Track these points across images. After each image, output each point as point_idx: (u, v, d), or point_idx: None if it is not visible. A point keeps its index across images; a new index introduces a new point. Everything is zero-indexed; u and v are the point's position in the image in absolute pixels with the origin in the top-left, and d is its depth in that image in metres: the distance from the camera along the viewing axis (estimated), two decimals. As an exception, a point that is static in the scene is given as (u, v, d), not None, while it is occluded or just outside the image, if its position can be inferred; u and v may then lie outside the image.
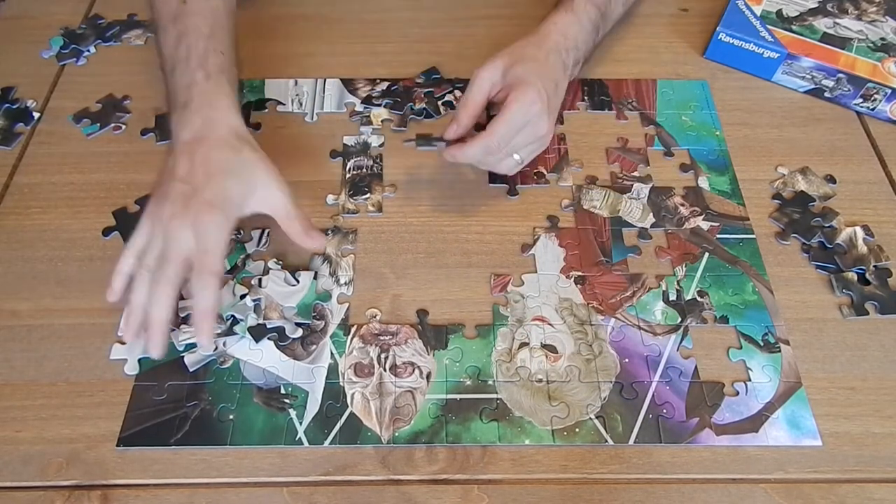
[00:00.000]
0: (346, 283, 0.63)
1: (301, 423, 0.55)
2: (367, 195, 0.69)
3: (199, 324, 0.52)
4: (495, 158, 0.62)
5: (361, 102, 0.77)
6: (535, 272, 0.63)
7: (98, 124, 0.74)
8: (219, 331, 0.59)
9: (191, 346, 0.58)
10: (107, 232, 0.66)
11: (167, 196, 0.54)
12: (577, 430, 0.55)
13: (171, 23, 0.63)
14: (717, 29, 0.78)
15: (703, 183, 0.70)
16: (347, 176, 0.71)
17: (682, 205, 0.68)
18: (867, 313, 0.61)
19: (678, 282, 0.63)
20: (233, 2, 0.69)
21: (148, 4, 0.69)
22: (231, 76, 0.62)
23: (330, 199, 0.69)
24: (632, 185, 0.70)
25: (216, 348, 0.58)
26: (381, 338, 0.59)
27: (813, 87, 0.77)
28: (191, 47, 0.61)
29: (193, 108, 0.58)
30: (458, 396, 0.56)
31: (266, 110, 0.76)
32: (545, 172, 0.71)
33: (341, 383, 0.57)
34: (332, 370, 0.58)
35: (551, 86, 0.62)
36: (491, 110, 0.63)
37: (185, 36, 0.62)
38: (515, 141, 0.61)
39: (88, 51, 0.82)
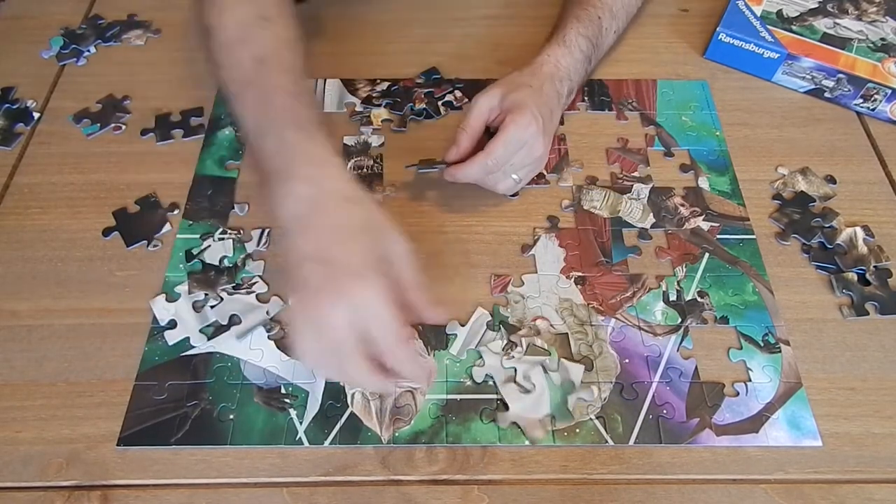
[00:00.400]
0: (346, 284, 0.63)
1: (301, 423, 0.55)
2: (368, 195, 0.69)
3: (414, 383, 0.55)
4: (493, 178, 0.64)
5: (361, 102, 0.77)
6: (536, 272, 0.63)
7: (98, 124, 0.74)
8: None
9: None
10: (107, 232, 0.66)
11: (306, 283, 0.46)
12: (577, 430, 0.55)
13: (248, 84, 0.56)
14: (718, 29, 0.78)
15: (704, 183, 0.70)
16: (348, 176, 0.70)
17: (683, 205, 0.68)
18: (867, 313, 0.61)
19: (678, 282, 0.63)
20: (298, 31, 0.61)
21: (210, 69, 0.61)
22: (322, 121, 0.55)
23: (330, 199, 0.69)
24: (632, 185, 0.70)
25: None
26: (382, 338, 0.59)
27: (813, 87, 0.77)
28: (278, 108, 0.54)
29: (295, 175, 0.50)
30: (458, 397, 0.56)
31: (266, 110, 0.76)
32: (545, 173, 0.71)
33: (341, 383, 0.57)
34: (333, 370, 0.58)
35: (546, 111, 0.64)
36: (490, 132, 0.65)
37: (271, 94, 0.55)
38: (513, 161, 0.63)
39: (88, 51, 0.82)
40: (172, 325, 0.60)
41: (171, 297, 0.61)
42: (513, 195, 0.69)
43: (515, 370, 0.57)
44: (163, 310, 0.61)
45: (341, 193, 0.50)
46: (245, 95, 0.57)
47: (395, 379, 0.48)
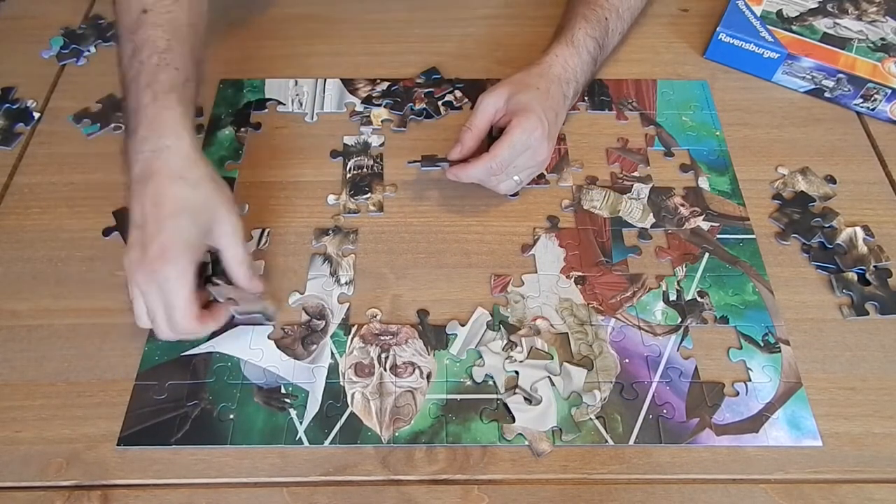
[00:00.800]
0: (346, 283, 0.63)
1: (301, 423, 0.55)
2: (368, 195, 0.69)
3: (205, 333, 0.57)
4: (496, 179, 0.64)
5: (361, 102, 0.77)
6: (536, 272, 0.63)
7: (98, 124, 0.74)
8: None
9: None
10: (107, 232, 0.66)
11: (129, 247, 0.53)
12: (577, 430, 0.55)
13: (130, 33, 0.58)
14: (718, 29, 0.78)
15: (704, 183, 0.70)
16: (348, 176, 0.71)
17: (683, 205, 0.68)
18: (867, 313, 0.61)
19: (678, 282, 0.63)
20: (200, 9, 0.63)
21: (113, 11, 0.62)
22: (184, 94, 0.57)
23: (331, 199, 0.69)
24: (632, 185, 0.70)
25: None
26: (382, 338, 0.59)
27: (813, 87, 0.77)
28: (143, 63, 0.56)
29: (140, 136, 0.54)
30: (458, 396, 0.56)
31: (266, 110, 0.76)
32: (545, 173, 0.71)
33: (342, 383, 0.57)
34: (333, 370, 0.58)
35: (552, 114, 0.64)
36: (493, 132, 0.65)
37: (139, 51, 0.57)
38: (516, 164, 0.63)
39: (88, 51, 0.82)
40: None
41: None
42: (513, 195, 0.69)
43: (518, 374, 0.57)
44: None
45: (176, 169, 0.53)
46: (125, 43, 0.58)
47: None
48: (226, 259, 0.56)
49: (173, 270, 0.51)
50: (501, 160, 0.61)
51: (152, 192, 0.52)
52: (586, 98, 0.77)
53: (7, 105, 0.76)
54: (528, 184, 0.69)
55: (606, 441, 0.54)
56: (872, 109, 0.75)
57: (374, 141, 0.73)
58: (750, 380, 0.57)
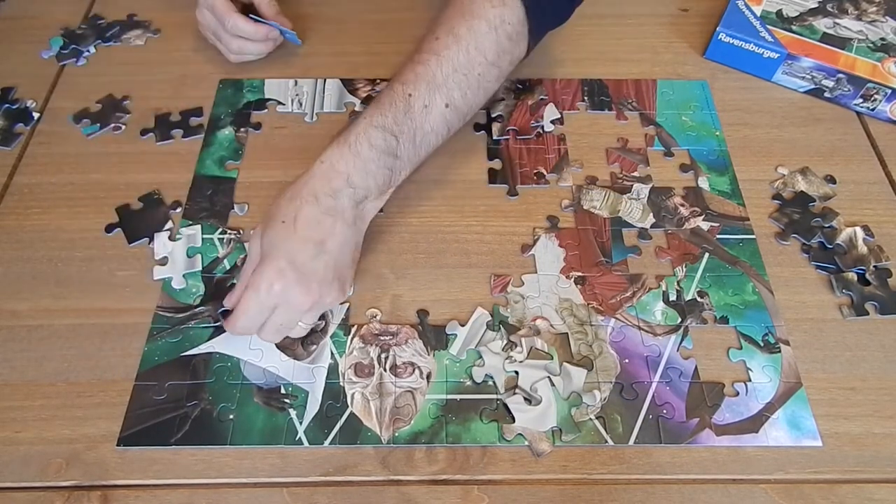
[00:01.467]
0: (346, 284, 0.63)
1: (301, 423, 0.55)
2: (367, 195, 0.69)
3: (256, 37, 0.77)
4: (271, 335, 0.56)
5: (361, 102, 0.77)
6: (535, 272, 0.63)
7: (98, 124, 0.74)
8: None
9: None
10: (110, 229, 0.66)
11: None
12: (577, 430, 0.55)
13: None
14: (717, 29, 0.78)
15: (703, 183, 0.70)
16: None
17: (682, 205, 0.68)
18: (867, 313, 0.61)
19: (678, 282, 0.63)
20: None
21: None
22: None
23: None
24: (632, 185, 0.70)
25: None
26: (382, 338, 0.59)
27: (813, 87, 0.77)
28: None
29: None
30: (458, 397, 0.56)
31: (266, 110, 0.76)
32: (545, 173, 0.71)
33: (341, 383, 0.57)
34: (333, 370, 0.58)
35: (308, 249, 0.54)
36: None
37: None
38: (276, 318, 0.55)
39: (88, 51, 0.82)
40: (164, 261, 0.64)
41: (174, 237, 0.65)
42: (513, 195, 0.69)
43: (518, 374, 0.57)
44: (161, 245, 0.65)
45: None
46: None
47: (250, 42, 0.77)
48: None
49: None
50: (243, 327, 0.54)
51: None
52: (586, 98, 0.77)
53: (7, 105, 0.76)
54: (528, 184, 0.69)
55: (606, 441, 0.54)
56: (872, 109, 0.75)
57: (374, 141, 0.73)
58: (750, 380, 0.57)
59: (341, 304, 0.61)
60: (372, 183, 0.58)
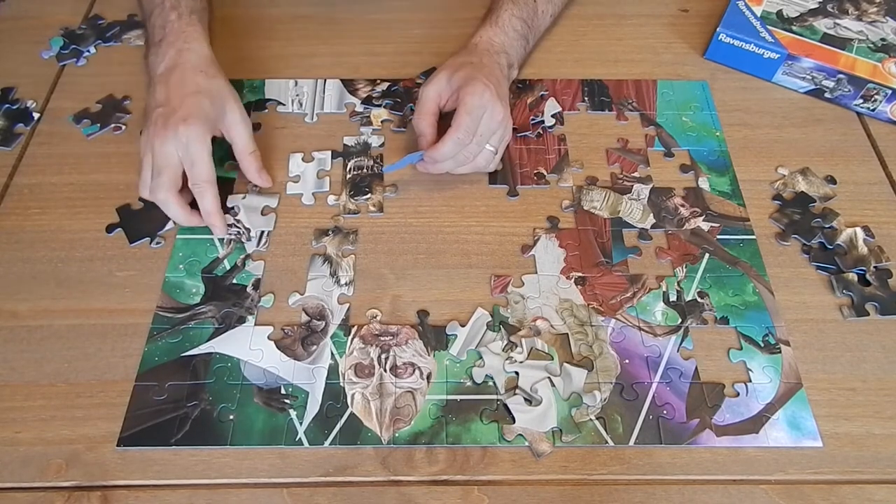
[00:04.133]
0: (346, 284, 0.63)
1: (301, 424, 0.55)
2: (368, 195, 0.69)
3: (211, 224, 0.63)
4: (470, 153, 0.65)
5: (361, 103, 0.77)
6: (536, 273, 0.63)
7: (98, 124, 0.74)
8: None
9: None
10: (110, 228, 0.66)
11: (150, 123, 0.62)
12: (577, 430, 0.55)
13: None
14: (718, 29, 0.78)
15: (704, 184, 0.70)
16: (348, 176, 0.71)
17: (683, 205, 0.68)
18: (867, 314, 0.61)
19: (678, 283, 0.63)
20: None
21: None
22: (202, 17, 0.71)
23: (331, 199, 0.69)
24: (632, 185, 0.70)
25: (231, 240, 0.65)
26: (382, 338, 0.59)
27: (813, 87, 0.77)
28: None
29: (167, 43, 0.66)
30: (458, 397, 0.56)
31: (266, 111, 0.76)
32: (545, 173, 0.71)
33: (341, 384, 0.57)
34: (333, 370, 0.58)
35: (493, 79, 0.66)
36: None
37: None
38: (480, 131, 0.64)
39: (88, 51, 0.82)
40: (297, 179, 0.70)
41: (308, 158, 0.71)
42: (513, 196, 0.69)
43: (518, 375, 0.57)
44: (295, 165, 0.71)
45: (198, 65, 0.65)
46: None
47: (198, 219, 0.63)
48: (237, 149, 0.66)
49: (195, 131, 0.60)
50: (466, 127, 0.63)
51: (176, 79, 0.63)
52: (586, 98, 0.77)
53: (7, 105, 0.76)
54: (528, 184, 0.69)
55: (607, 442, 0.54)
56: (873, 110, 0.75)
57: (374, 141, 0.73)
58: (750, 380, 0.57)
59: (341, 304, 0.61)
60: (514, 55, 0.74)
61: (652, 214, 0.68)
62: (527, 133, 0.73)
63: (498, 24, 0.73)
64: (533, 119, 0.75)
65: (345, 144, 0.73)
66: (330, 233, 0.66)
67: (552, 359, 0.58)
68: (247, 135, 0.66)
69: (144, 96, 0.76)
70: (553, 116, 0.75)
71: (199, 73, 0.64)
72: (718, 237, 0.66)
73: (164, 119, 0.61)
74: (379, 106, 0.76)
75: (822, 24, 0.78)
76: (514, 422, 0.55)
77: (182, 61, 0.65)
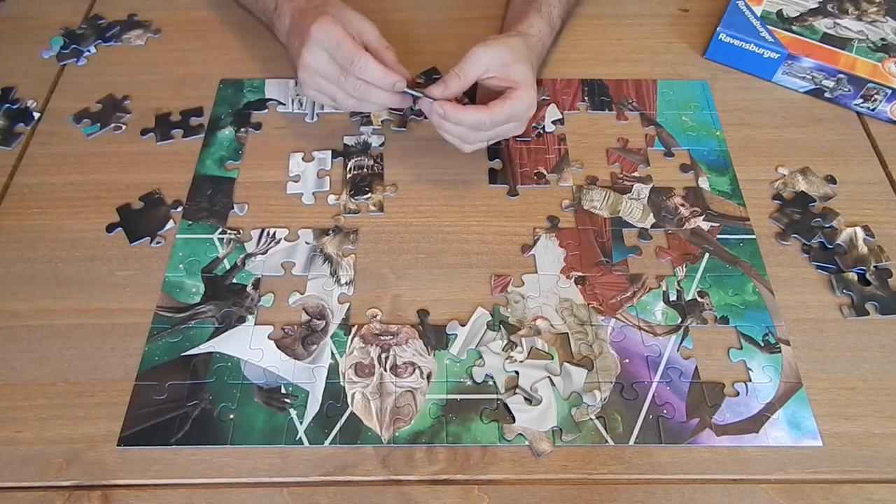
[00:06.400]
0: (346, 283, 0.63)
1: (301, 423, 0.55)
2: (369, 195, 0.69)
3: (387, 83, 0.62)
4: (474, 136, 0.64)
5: (362, 102, 0.77)
6: (536, 272, 0.63)
7: (98, 124, 0.74)
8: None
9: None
10: (111, 228, 0.66)
11: (294, 60, 0.65)
12: (577, 430, 0.55)
13: None
14: (718, 29, 0.78)
15: (704, 183, 0.70)
16: (348, 176, 0.71)
17: (683, 205, 0.68)
18: (867, 314, 0.61)
19: (678, 282, 0.63)
20: None
21: None
22: None
23: (331, 199, 0.69)
24: (632, 185, 0.70)
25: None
26: (382, 338, 0.59)
27: (813, 87, 0.77)
28: None
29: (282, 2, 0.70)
30: (458, 397, 0.56)
31: (266, 110, 0.76)
32: (545, 173, 0.71)
33: (342, 383, 0.57)
34: (333, 370, 0.58)
35: (535, 93, 0.66)
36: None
37: None
38: (501, 128, 0.64)
39: (88, 51, 0.82)
40: (297, 178, 0.70)
41: (308, 158, 0.71)
42: (513, 196, 0.69)
43: (518, 374, 0.57)
44: (295, 164, 0.71)
45: (311, 3, 0.67)
46: None
47: (371, 97, 0.64)
48: (369, 37, 0.65)
49: (323, 24, 0.61)
50: (495, 121, 0.62)
51: (299, 16, 0.67)
52: (586, 98, 0.77)
53: (7, 105, 0.76)
54: (528, 184, 0.69)
55: (607, 441, 0.54)
56: (873, 109, 0.75)
57: (375, 141, 0.73)
58: (750, 380, 0.57)
59: (341, 303, 0.61)
60: (539, 59, 0.73)
61: (652, 214, 0.68)
62: (527, 138, 0.73)
63: (545, 16, 0.73)
64: (534, 125, 0.74)
65: (345, 144, 0.73)
66: (330, 232, 0.66)
67: (552, 358, 0.58)
68: (375, 32, 0.66)
69: (144, 93, 0.77)
70: (553, 123, 0.75)
71: (315, 7, 0.66)
72: (718, 237, 0.66)
73: (300, 40, 0.63)
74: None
75: (822, 24, 0.78)
76: (514, 421, 0.55)
77: (307, 8, 0.67)
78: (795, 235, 0.66)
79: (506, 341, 0.59)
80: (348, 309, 0.61)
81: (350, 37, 0.61)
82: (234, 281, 0.63)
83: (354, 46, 0.61)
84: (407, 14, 0.86)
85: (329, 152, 0.72)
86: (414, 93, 0.64)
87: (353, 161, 0.72)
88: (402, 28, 0.84)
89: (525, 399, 0.56)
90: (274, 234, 0.66)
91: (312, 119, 0.75)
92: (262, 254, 0.64)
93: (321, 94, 0.65)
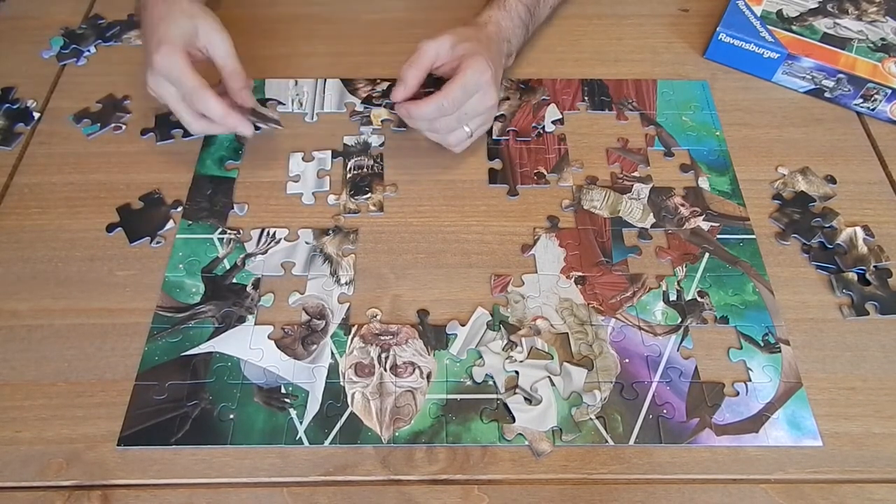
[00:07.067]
0: (346, 283, 0.63)
1: (301, 423, 0.55)
2: (368, 195, 0.69)
3: (230, 127, 0.63)
4: (446, 124, 0.65)
5: (361, 102, 0.77)
6: (536, 272, 0.63)
7: (98, 124, 0.74)
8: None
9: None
10: (110, 228, 0.66)
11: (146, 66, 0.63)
12: (577, 430, 0.55)
13: None
14: (718, 29, 0.78)
15: (704, 183, 0.70)
16: (348, 176, 0.71)
17: (683, 205, 0.68)
18: (867, 313, 0.61)
19: (678, 282, 0.63)
20: None
21: None
22: None
23: (331, 199, 0.69)
24: (632, 185, 0.70)
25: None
26: (382, 338, 0.59)
27: (813, 87, 0.77)
28: None
29: None
30: (458, 396, 0.56)
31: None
32: (545, 173, 0.71)
33: (342, 383, 0.57)
34: (333, 370, 0.58)
35: (495, 63, 0.66)
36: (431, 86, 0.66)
37: None
38: (466, 109, 0.64)
39: (88, 51, 0.82)
40: (297, 178, 0.70)
41: (308, 158, 0.71)
42: (513, 195, 0.69)
43: (518, 374, 0.57)
44: (295, 164, 0.71)
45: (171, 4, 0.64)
46: None
47: (214, 125, 0.64)
48: (216, 53, 0.64)
49: (163, 56, 0.60)
50: (454, 98, 0.62)
51: (149, 11, 0.64)
52: (586, 98, 0.77)
53: (7, 105, 0.76)
54: (529, 184, 0.69)
55: (606, 441, 0.54)
56: (872, 109, 0.75)
57: (374, 141, 0.73)
58: (750, 380, 0.57)
59: (341, 303, 0.61)
60: (515, 43, 0.74)
61: (652, 214, 0.68)
62: (527, 138, 0.73)
63: (505, 7, 0.72)
64: (534, 125, 0.74)
65: (345, 144, 0.73)
66: (330, 232, 0.66)
67: (552, 358, 0.58)
68: (227, 52, 0.64)
69: (144, 93, 0.77)
70: (553, 123, 0.75)
71: (168, 5, 0.64)
72: (718, 237, 0.66)
73: (146, 55, 0.62)
74: (379, 105, 0.76)
75: (822, 24, 0.78)
76: (514, 421, 0.55)
77: None
78: (795, 235, 0.66)
79: (506, 341, 0.59)
80: (348, 309, 0.61)
81: (188, 72, 0.60)
82: (234, 281, 0.63)
83: (193, 82, 0.60)
84: (407, 14, 0.86)
85: (329, 152, 0.72)
86: (259, 123, 0.68)
87: (353, 161, 0.72)
88: (402, 28, 0.84)
89: (525, 399, 0.56)
90: (274, 234, 0.66)
91: (312, 119, 0.75)
92: (262, 254, 0.64)
93: (176, 109, 0.64)
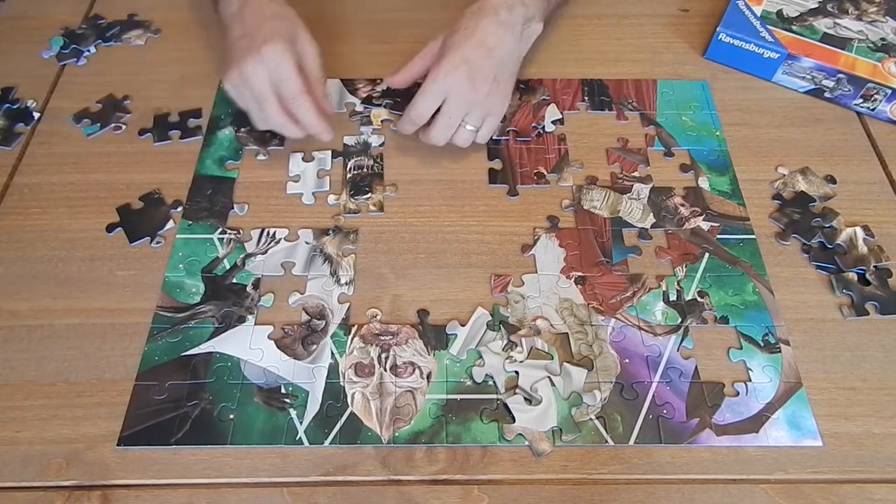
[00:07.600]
0: (346, 283, 0.63)
1: (301, 423, 0.55)
2: (368, 195, 0.69)
3: (316, 133, 0.66)
4: (435, 135, 0.66)
5: (361, 102, 0.77)
6: (536, 272, 0.63)
7: (98, 124, 0.74)
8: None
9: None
10: (110, 228, 0.66)
11: (233, 57, 0.63)
12: (577, 430, 0.55)
13: None
14: (718, 29, 0.78)
15: (704, 183, 0.70)
16: (348, 176, 0.71)
17: (683, 205, 0.68)
18: (867, 313, 0.61)
19: (678, 282, 0.63)
20: None
21: None
22: None
23: (331, 199, 0.69)
24: (632, 185, 0.70)
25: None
26: (382, 338, 0.59)
27: (813, 87, 0.77)
28: None
29: None
30: (458, 396, 0.56)
31: (266, 110, 0.76)
32: (545, 173, 0.71)
33: (342, 383, 0.57)
34: (333, 370, 0.58)
35: (480, 51, 0.64)
36: None
37: None
38: (447, 112, 0.65)
39: (88, 51, 0.82)
40: (297, 178, 0.70)
41: (308, 158, 0.72)
42: (513, 195, 0.69)
43: (518, 374, 0.57)
44: (295, 164, 0.71)
45: (265, 2, 0.67)
46: None
47: (300, 127, 0.65)
48: (309, 62, 0.66)
49: (277, 45, 0.61)
50: (418, 111, 0.65)
51: (250, 12, 0.65)
52: (586, 98, 0.77)
53: (7, 105, 0.76)
54: (528, 184, 0.69)
55: (606, 441, 0.54)
56: (872, 109, 0.75)
57: (374, 141, 0.73)
58: (750, 380, 0.57)
59: (341, 303, 0.61)
60: (538, 6, 0.69)
61: (652, 214, 0.68)
62: (527, 138, 0.73)
63: None
64: (534, 125, 0.74)
65: (345, 144, 0.73)
66: (330, 232, 0.66)
67: (552, 358, 0.58)
68: (317, 60, 0.66)
69: (144, 93, 0.77)
70: (553, 123, 0.75)
71: (271, 3, 0.66)
72: (718, 237, 0.66)
73: (248, 46, 0.62)
74: (379, 105, 0.76)
75: (822, 24, 0.78)
76: (514, 421, 0.55)
77: (253, 2, 0.66)
78: (795, 235, 0.66)
79: (506, 341, 0.59)
80: (348, 309, 0.61)
81: (297, 73, 0.62)
82: (234, 281, 0.63)
83: (299, 85, 0.63)
84: (407, 14, 0.86)
85: (329, 152, 0.72)
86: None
87: (352, 161, 0.72)
88: (402, 28, 0.84)
89: (525, 399, 0.56)
90: (274, 234, 0.66)
91: (312, 119, 0.75)
92: (262, 254, 0.64)
93: (240, 101, 0.66)
